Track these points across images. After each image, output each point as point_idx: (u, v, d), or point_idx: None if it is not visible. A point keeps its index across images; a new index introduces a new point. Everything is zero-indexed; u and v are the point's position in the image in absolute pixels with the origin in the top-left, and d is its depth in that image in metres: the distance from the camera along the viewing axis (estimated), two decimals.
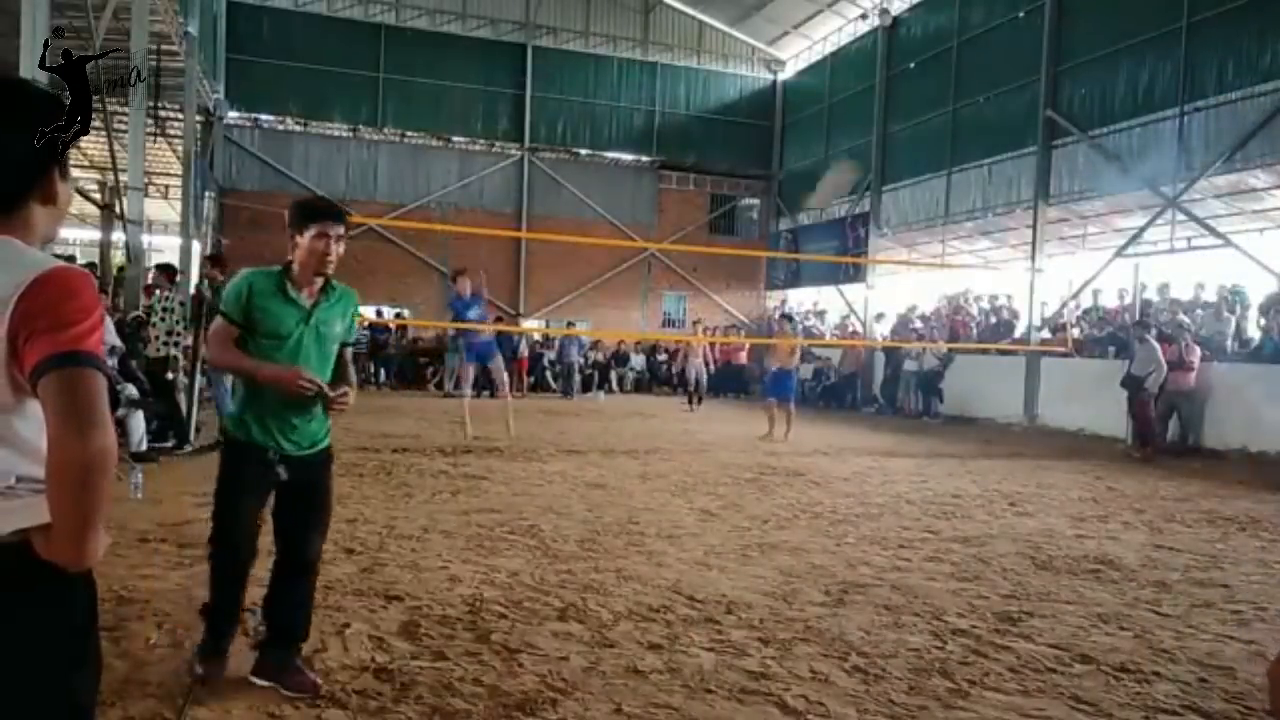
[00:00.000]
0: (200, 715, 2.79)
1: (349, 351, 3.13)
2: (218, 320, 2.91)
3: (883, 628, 3.90)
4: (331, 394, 2.90)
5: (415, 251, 22.05)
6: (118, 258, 14.54)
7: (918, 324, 18.20)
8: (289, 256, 2.96)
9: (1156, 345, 11.16)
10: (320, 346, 2.96)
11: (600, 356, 21.70)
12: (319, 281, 2.95)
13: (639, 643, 3.58)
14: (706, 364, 17.15)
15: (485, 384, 14.56)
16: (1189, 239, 14.11)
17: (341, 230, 2.92)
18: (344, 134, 22.12)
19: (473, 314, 9.76)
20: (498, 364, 10.47)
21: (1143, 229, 14.00)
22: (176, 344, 8.67)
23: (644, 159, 24.28)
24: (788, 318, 13.51)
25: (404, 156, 22.46)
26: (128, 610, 3.69)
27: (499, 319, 20.72)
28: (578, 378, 20.00)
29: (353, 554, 4.80)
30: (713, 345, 18.70)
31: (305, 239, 2.89)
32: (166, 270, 9.20)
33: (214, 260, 8.96)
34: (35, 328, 1.27)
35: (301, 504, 3.01)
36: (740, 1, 23.16)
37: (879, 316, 19.64)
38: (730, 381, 20.51)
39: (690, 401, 16.60)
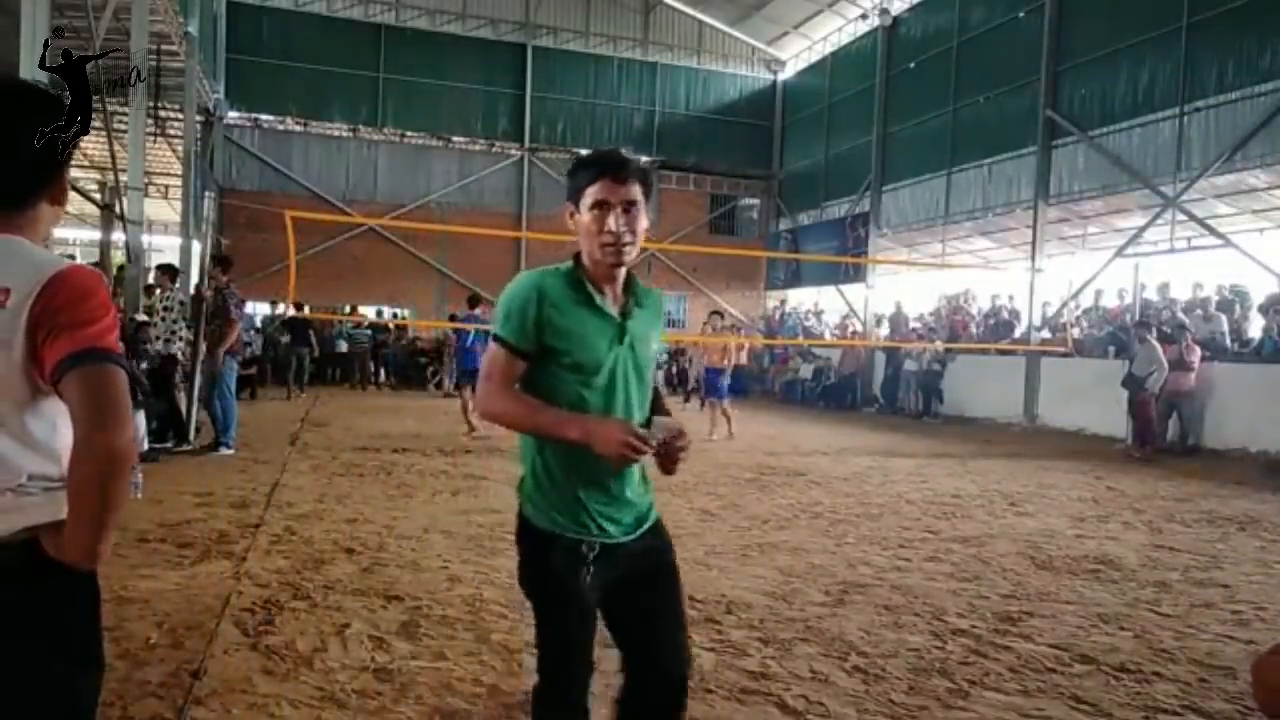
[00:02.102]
0: (200, 715, 2.79)
1: (660, 375, 2.21)
2: (494, 351, 1.91)
3: (883, 628, 3.90)
4: (676, 441, 1.88)
5: (415, 251, 22.05)
6: (118, 258, 14.54)
7: (915, 324, 18.21)
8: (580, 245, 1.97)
9: (1158, 345, 11.16)
10: (639, 376, 1.99)
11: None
12: (620, 278, 1.97)
13: None
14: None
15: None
16: (1189, 239, 14.12)
17: (634, 192, 1.89)
18: (344, 134, 22.13)
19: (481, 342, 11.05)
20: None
21: (1143, 229, 14.00)
22: (181, 340, 8.70)
23: (644, 159, 24.23)
24: (717, 314, 12.96)
25: (404, 156, 22.47)
26: (128, 610, 3.69)
27: None
28: None
29: (353, 554, 4.80)
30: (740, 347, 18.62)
31: (583, 212, 1.91)
32: (168, 270, 9.24)
33: (218, 261, 9.00)
34: (55, 325, 1.29)
35: (646, 597, 2.02)
36: (740, 1, 23.17)
37: (887, 319, 19.62)
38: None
39: (687, 399, 16.59)
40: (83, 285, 1.33)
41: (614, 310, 1.94)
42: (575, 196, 1.92)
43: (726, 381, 11.75)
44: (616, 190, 1.87)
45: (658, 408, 2.09)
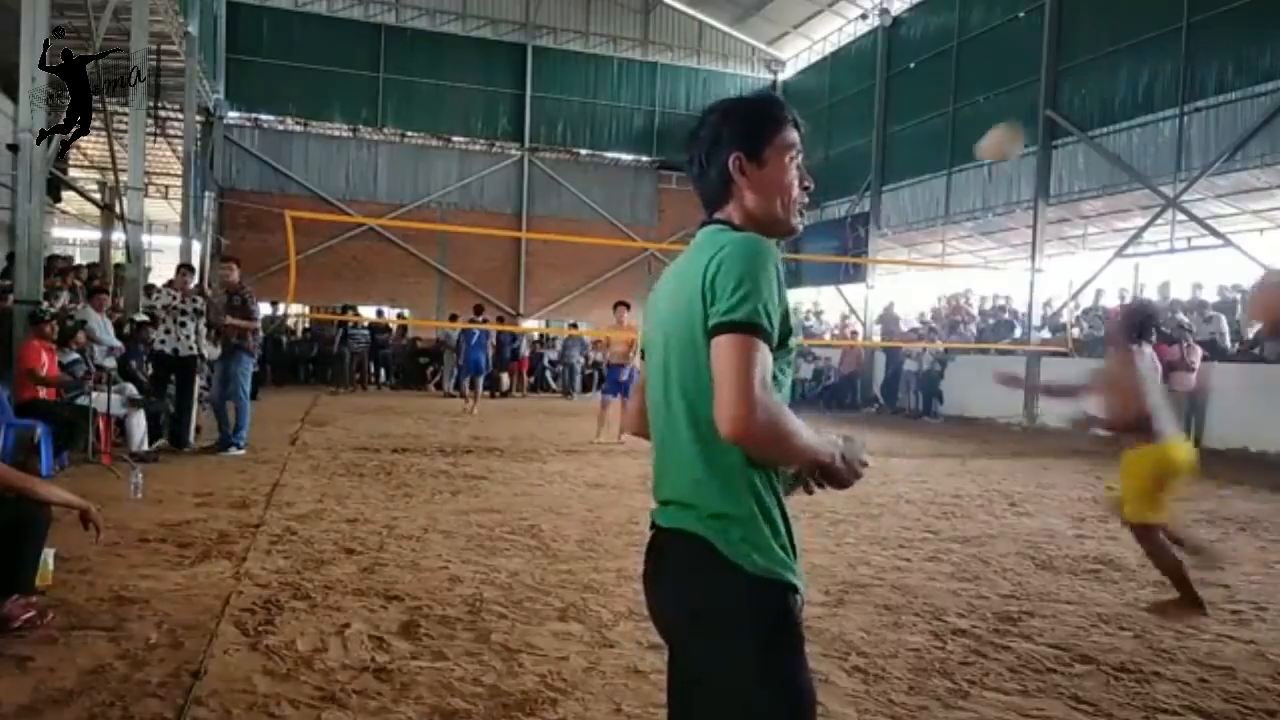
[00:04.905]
0: (200, 715, 2.78)
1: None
2: (751, 348, 1.36)
3: (883, 628, 3.90)
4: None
5: (415, 251, 22.06)
6: (117, 257, 14.56)
7: (915, 324, 18.22)
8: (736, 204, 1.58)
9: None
10: None
11: (601, 357, 21.70)
12: None
13: (639, 643, 3.57)
14: None
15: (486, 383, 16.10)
16: (1189, 239, 14.12)
17: None
18: (344, 134, 22.14)
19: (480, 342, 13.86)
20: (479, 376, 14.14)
21: (1143, 229, 14.00)
22: (210, 340, 8.72)
23: (644, 159, 24.29)
24: (624, 304, 11.12)
25: (404, 156, 22.47)
26: (128, 610, 3.69)
27: (500, 319, 20.83)
28: (578, 378, 20.03)
29: (353, 554, 4.80)
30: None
31: (772, 161, 1.56)
32: (191, 269, 9.29)
33: (236, 261, 9.09)
34: None
35: None
36: (740, 1, 23.17)
37: (887, 318, 19.60)
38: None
39: None
40: None
41: None
42: (758, 143, 1.55)
43: (623, 379, 10.42)
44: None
45: None
